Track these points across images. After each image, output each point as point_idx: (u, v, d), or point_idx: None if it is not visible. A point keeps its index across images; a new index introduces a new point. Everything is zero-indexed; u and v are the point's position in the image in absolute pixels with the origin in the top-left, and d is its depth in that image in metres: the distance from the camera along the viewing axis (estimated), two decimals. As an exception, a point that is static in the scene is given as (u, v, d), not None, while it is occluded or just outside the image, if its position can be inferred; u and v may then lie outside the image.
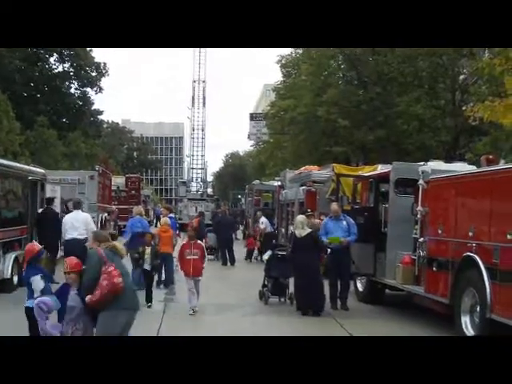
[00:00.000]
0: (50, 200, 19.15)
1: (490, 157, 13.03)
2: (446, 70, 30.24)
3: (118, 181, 43.71)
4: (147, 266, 14.61)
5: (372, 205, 15.94)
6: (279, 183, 30.29)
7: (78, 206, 17.34)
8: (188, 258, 13.76)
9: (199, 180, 73.60)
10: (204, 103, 78.61)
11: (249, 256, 27.37)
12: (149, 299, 14.23)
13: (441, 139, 30.14)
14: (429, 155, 23.76)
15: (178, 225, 25.95)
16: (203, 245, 14.44)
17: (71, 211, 24.28)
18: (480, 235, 10.79)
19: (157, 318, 12.72)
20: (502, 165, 11.74)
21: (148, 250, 14.70)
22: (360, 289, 16.08)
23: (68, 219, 16.61)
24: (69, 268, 8.13)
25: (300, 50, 40.22)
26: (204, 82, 79.44)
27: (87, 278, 7.92)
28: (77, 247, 14.55)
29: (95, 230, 15.53)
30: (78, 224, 15.97)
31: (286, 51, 43.50)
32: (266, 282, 15.59)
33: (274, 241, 23.83)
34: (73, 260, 8.27)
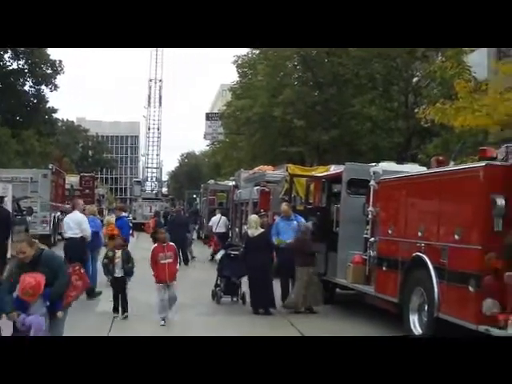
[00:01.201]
0: (0, 199, 18.87)
1: (440, 158, 13.23)
2: (400, 72, 30.58)
3: (72, 179, 43.25)
4: (119, 272, 13.18)
5: (324, 205, 16.07)
6: (234, 183, 30.36)
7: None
8: (162, 262, 12.63)
9: (154, 179, 73.37)
10: (160, 102, 78.48)
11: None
12: (123, 309, 13.07)
13: (393, 140, 30.49)
14: (381, 156, 24.03)
15: (131, 224, 25.84)
16: (175, 246, 13.40)
17: (24, 210, 24.09)
18: (429, 235, 10.96)
19: (107, 320, 12.60)
20: (450, 166, 11.93)
21: (119, 253, 13.31)
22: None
23: (66, 219, 16.44)
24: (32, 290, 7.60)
25: (256, 51, 40.26)
26: (160, 81, 79.31)
27: (65, 282, 7.75)
28: (74, 245, 14.96)
29: (88, 230, 15.54)
30: (73, 224, 15.89)
31: (243, 51, 43.54)
32: (218, 282, 15.61)
33: (228, 240, 23.89)
34: (32, 281, 7.66)
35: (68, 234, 15.61)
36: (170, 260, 12.74)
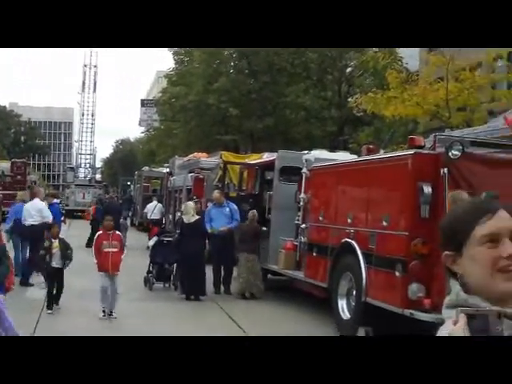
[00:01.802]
0: None
1: (371, 146, 13.46)
2: (334, 62, 30.93)
3: (3, 165, 42.36)
4: (56, 263, 12.26)
5: (257, 192, 16.18)
6: (168, 170, 30.23)
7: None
8: (106, 250, 11.96)
9: (88, 166, 72.41)
10: (95, 88, 77.39)
11: None
12: (57, 301, 12.36)
13: (326, 129, 30.86)
14: (315, 144, 24.31)
15: (63, 211, 25.47)
16: (121, 235, 12.89)
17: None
18: (358, 222, 11.15)
19: (37, 310, 12.11)
20: (379, 154, 12.15)
21: (56, 242, 12.38)
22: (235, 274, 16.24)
23: (27, 207, 16.30)
24: None
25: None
26: (95, 66, 78.19)
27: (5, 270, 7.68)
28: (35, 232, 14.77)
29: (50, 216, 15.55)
30: (34, 212, 15.75)
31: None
32: (150, 268, 15.57)
33: (162, 226, 23.80)
34: None
35: (29, 222, 15.57)
36: (115, 249, 12.06)
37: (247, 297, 14.33)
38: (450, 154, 9.56)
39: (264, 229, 14.98)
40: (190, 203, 15.59)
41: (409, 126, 20.05)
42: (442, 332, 1.91)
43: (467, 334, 1.77)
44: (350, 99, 23.86)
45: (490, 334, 1.77)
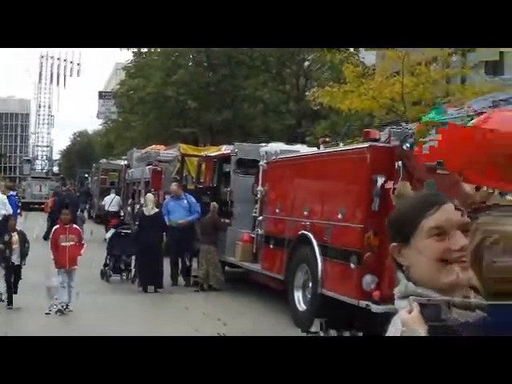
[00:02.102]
0: None
1: (327, 139, 13.61)
2: (293, 55, 31.03)
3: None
4: (16, 259, 11.83)
5: (215, 184, 16.22)
6: (126, 162, 30.08)
7: None
8: (63, 244, 11.65)
9: (45, 158, 71.67)
10: (52, 80, 76.57)
11: None
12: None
13: (284, 123, 30.98)
14: (273, 138, 24.33)
15: (19, 204, 25.21)
16: (80, 229, 12.65)
17: None
18: (314, 214, 11.25)
19: None
20: (335, 147, 12.26)
21: (16, 236, 11.94)
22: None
23: None
24: None
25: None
26: (52, 58, 77.32)
27: None
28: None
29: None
30: None
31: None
32: (107, 261, 15.51)
33: (121, 218, 23.69)
34: None
35: None
36: (72, 243, 11.76)
37: (205, 289, 14.38)
38: (404, 146, 9.71)
39: (224, 221, 15.02)
40: (150, 195, 15.58)
41: (365, 120, 20.28)
42: (396, 322, 1.95)
43: (422, 322, 1.81)
44: (307, 93, 24.01)
45: (442, 323, 1.82)
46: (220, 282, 14.56)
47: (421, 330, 1.81)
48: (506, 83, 18.39)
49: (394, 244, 2.04)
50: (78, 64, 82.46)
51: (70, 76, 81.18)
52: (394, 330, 1.95)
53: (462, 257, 1.93)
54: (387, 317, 2.11)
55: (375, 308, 9.29)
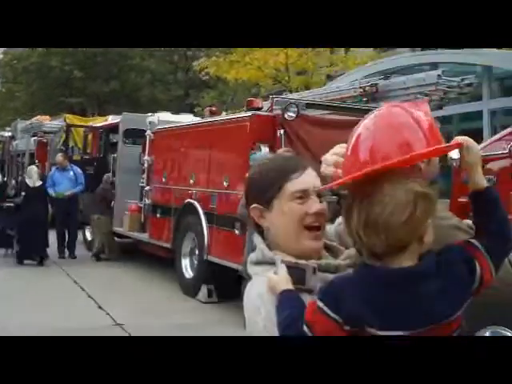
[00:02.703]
0: None
1: (213, 109, 13.74)
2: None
3: None
4: None
5: (102, 155, 16.08)
6: (10, 134, 29.20)
7: None
8: None
9: None
10: None
11: None
12: None
13: (173, 93, 30.88)
14: (161, 108, 24.26)
15: None
16: None
17: None
18: (200, 183, 11.37)
19: None
20: (219, 116, 12.41)
21: None
22: (89, 238, 16.18)
23: None
24: None
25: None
26: None
27: None
28: None
29: None
30: None
31: None
32: (-9, 235, 15.15)
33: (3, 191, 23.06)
34: None
35: None
36: None
37: (101, 258, 14.44)
38: (285, 115, 9.92)
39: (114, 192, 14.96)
40: (33, 167, 15.29)
41: (252, 90, 20.47)
42: (253, 286, 1.96)
43: (289, 283, 1.84)
44: (195, 63, 23.99)
45: (306, 287, 1.86)
46: (112, 253, 14.58)
47: (287, 288, 1.84)
48: (385, 52, 18.98)
49: (255, 205, 2.02)
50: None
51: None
52: (255, 293, 1.93)
53: (316, 221, 1.96)
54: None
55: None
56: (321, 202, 1.98)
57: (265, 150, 9.88)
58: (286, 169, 2.00)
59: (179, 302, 10.74)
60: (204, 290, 10.77)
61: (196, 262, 11.33)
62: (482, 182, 1.83)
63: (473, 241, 1.82)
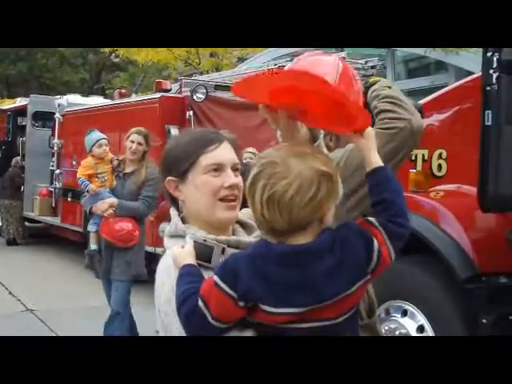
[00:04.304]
0: None
1: (123, 91, 13.67)
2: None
3: None
4: None
5: (10, 138, 15.80)
6: None
7: None
8: None
9: None
10: None
11: None
12: None
13: (83, 76, 30.44)
14: (72, 90, 23.93)
15: None
16: None
17: None
18: (111, 165, 11.32)
19: None
20: (129, 98, 12.37)
21: None
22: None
23: None
24: None
25: None
26: None
27: None
28: None
29: None
30: None
31: None
32: None
33: None
34: None
35: None
36: None
37: (12, 243, 14.29)
38: (194, 97, 10.04)
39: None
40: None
41: (163, 72, 20.39)
42: (163, 259, 1.96)
43: (193, 257, 1.85)
44: (105, 44, 23.75)
45: (212, 264, 1.86)
46: (24, 238, 14.40)
47: (189, 263, 1.85)
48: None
49: (170, 178, 2.02)
50: None
51: None
52: (163, 266, 1.94)
53: (231, 195, 1.98)
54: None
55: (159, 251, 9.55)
56: (236, 175, 2.01)
57: (174, 131, 9.97)
58: (201, 142, 2.01)
59: (91, 286, 10.71)
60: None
61: (108, 245, 11.27)
62: (379, 161, 1.87)
63: (370, 218, 1.82)
